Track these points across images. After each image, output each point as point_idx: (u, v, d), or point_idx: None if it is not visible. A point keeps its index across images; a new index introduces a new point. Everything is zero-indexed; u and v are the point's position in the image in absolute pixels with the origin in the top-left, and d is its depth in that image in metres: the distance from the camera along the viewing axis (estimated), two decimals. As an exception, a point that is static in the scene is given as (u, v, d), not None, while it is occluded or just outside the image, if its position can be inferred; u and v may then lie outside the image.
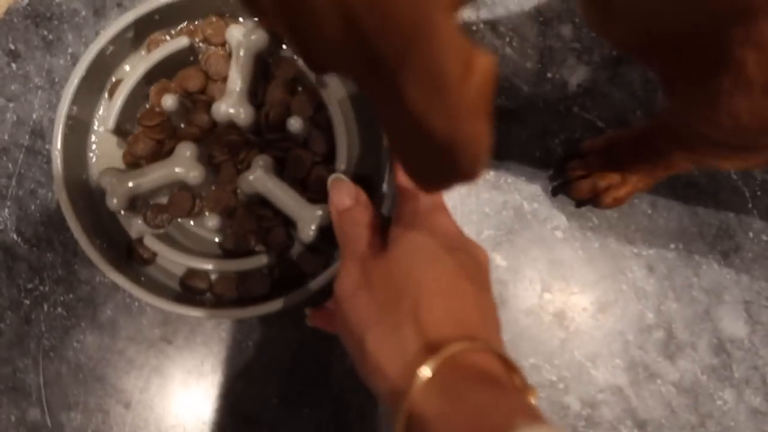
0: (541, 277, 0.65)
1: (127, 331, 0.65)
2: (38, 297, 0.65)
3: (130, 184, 0.61)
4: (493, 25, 0.69)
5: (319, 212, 0.61)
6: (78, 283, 0.65)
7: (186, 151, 0.61)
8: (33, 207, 0.66)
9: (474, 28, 0.68)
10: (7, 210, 0.66)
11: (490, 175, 0.67)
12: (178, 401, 0.63)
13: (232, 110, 0.62)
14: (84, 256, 0.65)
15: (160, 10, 0.63)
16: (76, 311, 0.65)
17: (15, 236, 0.66)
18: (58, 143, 0.61)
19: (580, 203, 0.67)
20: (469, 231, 0.66)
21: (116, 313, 0.65)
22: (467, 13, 0.68)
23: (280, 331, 0.65)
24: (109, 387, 0.64)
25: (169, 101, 0.62)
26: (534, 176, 0.67)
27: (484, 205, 0.67)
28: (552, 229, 0.67)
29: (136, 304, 0.65)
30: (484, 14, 0.68)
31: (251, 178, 0.61)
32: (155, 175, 0.61)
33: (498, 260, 0.66)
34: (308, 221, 0.61)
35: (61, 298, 0.65)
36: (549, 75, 0.68)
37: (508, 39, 0.69)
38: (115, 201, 0.60)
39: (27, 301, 0.65)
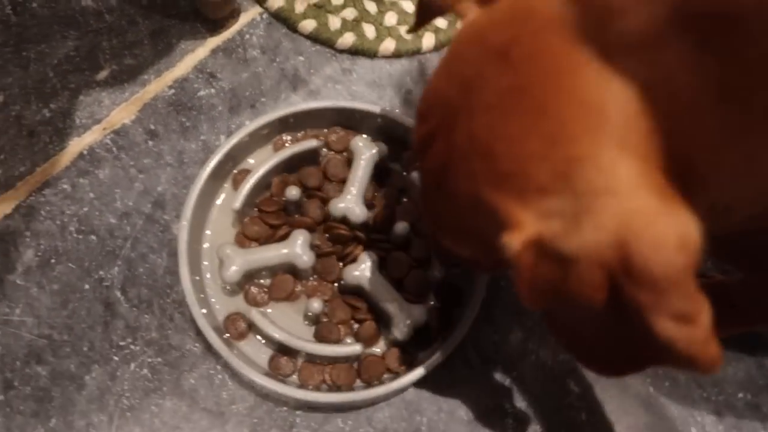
0: (614, 411, 0.54)
1: (205, 403, 0.53)
2: (128, 355, 0.54)
3: (246, 259, 0.51)
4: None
5: (416, 311, 0.51)
6: (168, 347, 0.55)
7: (300, 237, 0.52)
8: (141, 269, 0.56)
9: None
10: (117, 269, 0.56)
11: (568, 303, 0.58)
12: (240, 482, 0.51)
13: (348, 207, 0.54)
14: (179, 323, 0.54)
15: (296, 115, 0.56)
16: (161, 375, 0.54)
17: (119, 294, 0.56)
18: (188, 214, 0.52)
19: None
20: (544, 353, 0.56)
21: (199, 383, 0.54)
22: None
23: (353, 426, 0.53)
24: (178, 457, 0.52)
25: (293, 192, 0.53)
26: (609, 310, 0.57)
27: (561, 331, 0.57)
28: (624, 362, 0.56)
29: (220, 377, 0.54)
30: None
31: (356, 272, 0.52)
32: (270, 254, 0.52)
33: (572, 385, 0.55)
34: (404, 318, 0.50)
35: (149, 360, 0.54)
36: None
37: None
38: (231, 271, 0.50)
39: (116, 358, 0.54)
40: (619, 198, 0.25)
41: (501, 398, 0.53)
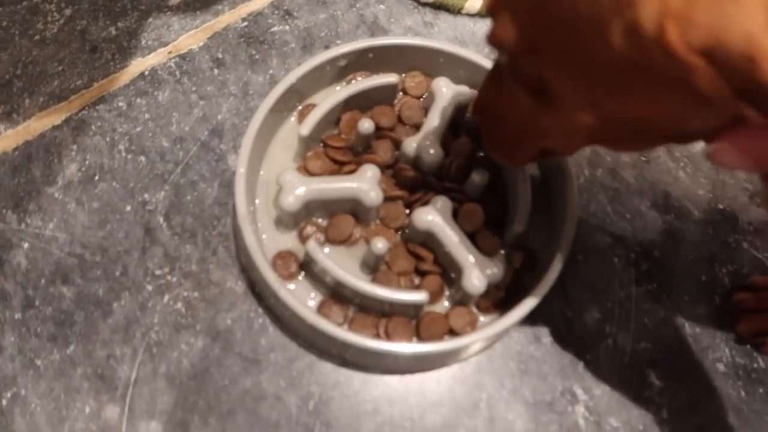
0: (700, 412, 0.43)
1: (241, 347, 0.43)
2: (162, 286, 0.44)
3: (309, 187, 0.42)
4: (668, 147, 0.52)
5: (493, 266, 0.41)
6: (207, 282, 0.45)
7: (369, 171, 0.42)
8: (188, 197, 0.47)
9: (650, 148, 0.51)
10: (163, 193, 0.47)
11: (652, 286, 0.47)
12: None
13: (423, 147, 0.44)
14: (222, 258, 0.44)
15: (375, 50, 0.47)
16: (196, 311, 0.44)
17: (161, 220, 0.46)
18: (253, 135, 0.43)
19: (741, 340, 0.46)
20: (623, 338, 0.45)
21: (236, 325, 0.44)
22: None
23: (403, 394, 0.42)
24: (203, 404, 0.41)
25: (365, 125, 0.44)
26: (697, 299, 0.47)
27: (644, 316, 0.46)
28: (714, 360, 0.45)
29: (260, 321, 0.44)
30: (662, 139, 0.52)
31: (429, 217, 0.42)
32: (335, 185, 0.42)
33: (652, 377, 0.45)
34: (479, 272, 0.40)
35: (185, 294, 0.44)
36: (720, 206, 0.50)
37: (682, 164, 0.51)
38: (291, 199, 0.40)
39: (149, 287, 0.44)
40: None
41: (572, 382, 0.42)
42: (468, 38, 0.53)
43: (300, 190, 0.40)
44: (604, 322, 0.44)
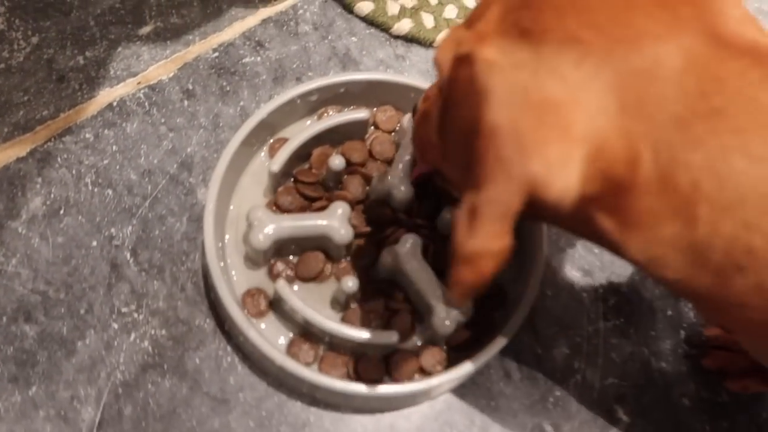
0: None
1: (209, 387, 0.42)
2: (129, 324, 0.43)
3: (279, 225, 0.41)
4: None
5: (463, 308, 0.41)
6: (176, 320, 0.44)
7: (339, 209, 0.42)
8: (157, 232, 0.46)
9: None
10: (130, 228, 0.46)
11: (620, 321, 0.47)
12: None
13: (393, 185, 0.44)
14: (190, 295, 0.43)
15: (347, 84, 0.47)
16: (164, 350, 0.43)
17: (128, 255, 0.45)
18: (222, 170, 0.42)
19: (706, 373, 0.47)
20: (592, 373, 0.45)
21: (204, 364, 0.43)
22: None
23: None
24: (170, 446, 0.40)
25: (336, 161, 0.43)
26: (664, 334, 0.47)
27: (611, 351, 0.46)
28: (679, 394, 0.46)
29: (229, 359, 0.43)
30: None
31: (396, 256, 0.41)
32: (306, 223, 0.41)
33: (620, 413, 0.45)
34: (448, 311, 0.40)
35: (152, 332, 0.43)
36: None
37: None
38: (260, 237, 0.40)
39: (115, 325, 0.43)
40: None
41: (542, 419, 0.42)
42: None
43: (270, 228, 0.40)
44: (572, 358, 0.44)
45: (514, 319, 0.40)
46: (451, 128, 0.28)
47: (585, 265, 0.47)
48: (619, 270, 0.47)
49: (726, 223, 0.23)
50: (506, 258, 0.25)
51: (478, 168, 0.24)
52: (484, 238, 0.24)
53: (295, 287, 0.42)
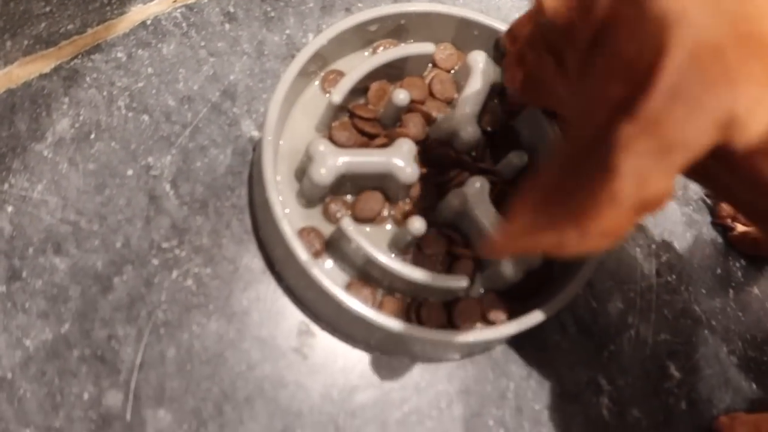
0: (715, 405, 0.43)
1: (258, 330, 0.39)
2: (170, 260, 0.40)
3: (343, 160, 0.38)
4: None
5: (531, 255, 0.39)
6: (221, 258, 0.40)
7: (405, 145, 0.39)
8: (198, 164, 0.42)
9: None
10: (169, 157, 0.42)
11: (671, 278, 0.46)
12: (289, 425, 0.36)
13: (459, 125, 0.41)
14: (236, 232, 0.40)
15: (409, 17, 0.44)
16: (209, 289, 0.40)
17: (167, 187, 0.41)
18: (277, 109, 0.38)
19: (752, 333, 0.46)
20: (645, 329, 0.44)
21: (253, 306, 0.40)
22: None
23: (431, 382, 0.40)
24: (217, 391, 0.38)
25: (401, 96, 0.40)
26: (713, 292, 0.46)
27: (663, 307, 0.45)
28: (728, 352, 0.45)
29: (279, 302, 0.40)
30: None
31: (465, 199, 0.39)
32: (371, 159, 0.38)
33: (672, 369, 0.44)
34: (517, 260, 0.38)
35: (196, 270, 0.40)
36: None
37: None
38: (323, 171, 0.36)
39: (155, 261, 0.39)
40: None
41: (597, 372, 0.41)
42: (493, 12, 0.50)
43: (334, 161, 0.36)
44: (626, 313, 0.43)
45: (582, 272, 0.38)
46: (607, 63, 0.24)
47: (638, 221, 0.46)
48: (672, 227, 0.46)
49: None
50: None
51: (652, 99, 0.21)
52: (668, 181, 0.21)
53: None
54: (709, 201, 0.47)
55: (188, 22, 0.44)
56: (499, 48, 0.35)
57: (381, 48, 0.43)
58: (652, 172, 0.20)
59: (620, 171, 0.21)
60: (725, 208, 0.46)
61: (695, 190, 0.48)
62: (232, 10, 0.45)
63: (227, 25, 0.44)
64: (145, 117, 0.41)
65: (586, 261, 0.38)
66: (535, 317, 0.36)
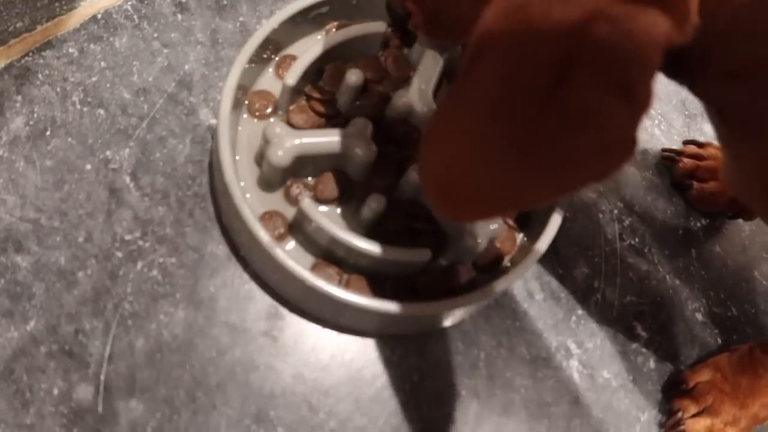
0: (682, 361, 0.43)
1: (227, 316, 0.39)
2: (134, 252, 0.40)
3: (300, 141, 0.38)
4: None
5: (494, 224, 0.39)
6: (185, 247, 0.40)
7: (362, 124, 0.40)
8: (158, 155, 0.42)
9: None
10: (128, 150, 0.42)
11: (635, 241, 0.47)
12: (262, 407, 0.37)
13: (415, 103, 0.41)
14: (199, 220, 0.40)
15: (358, -4, 0.44)
16: (174, 279, 0.40)
17: (128, 179, 0.41)
18: (231, 96, 0.38)
19: (716, 288, 0.47)
20: (611, 292, 0.45)
21: (220, 292, 0.40)
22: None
23: (402, 357, 0.41)
24: (188, 378, 0.38)
25: (354, 77, 0.40)
26: (676, 253, 0.47)
27: (628, 270, 0.46)
28: (693, 310, 0.46)
29: (246, 287, 0.40)
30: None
31: (424, 171, 0.39)
32: (329, 139, 0.38)
33: (639, 329, 0.45)
34: (480, 230, 0.39)
35: (161, 260, 0.40)
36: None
37: (656, 121, 0.52)
38: (280, 153, 0.37)
39: (119, 254, 0.40)
40: None
41: (566, 337, 0.42)
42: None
43: (290, 143, 0.37)
44: (592, 277, 0.44)
45: (543, 238, 0.39)
46: None
47: (600, 186, 0.47)
48: (633, 191, 0.47)
49: None
50: None
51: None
52: (644, 105, 0.20)
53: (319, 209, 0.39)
54: (668, 162, 0.48)
55: (140, 15, 0.44)
56: (393, 10, 0.34)
57: (333, 30, 0.44)
58: (631, 101, 0.20)
59: (595, 108, 0.21)
60: (682, 166, 0.47)
61: (654, 154, 0.48)
62: (183, 0, 0.45)
63: (179, 16, 0.44)
64: (101, 111, 0.41)
65: (546, 228, 0.39)
66: (498, 286, 0.37)
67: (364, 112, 0.40)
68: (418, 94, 0.40)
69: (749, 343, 0.40)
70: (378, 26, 0.42)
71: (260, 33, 0.39)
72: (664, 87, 0.51)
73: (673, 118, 0.50)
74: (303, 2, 0.41)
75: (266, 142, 0.37)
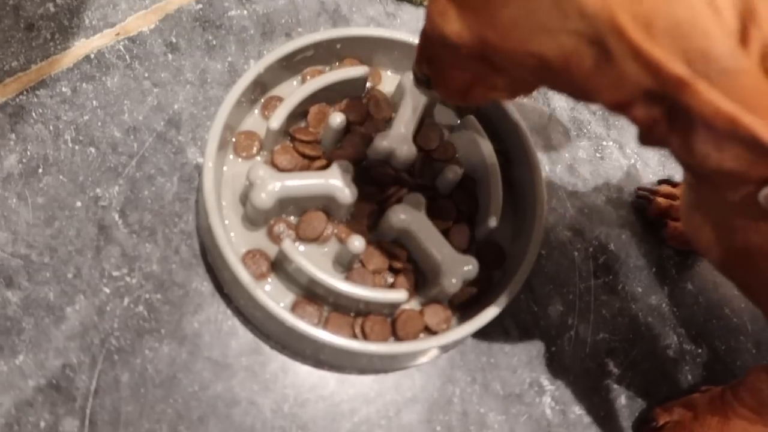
0: (653, 396, 0.45)
1: (210, 351, 0.41)
2: (121, 288, 0.41)
3: (282, 184, 0.40)
4: (620, 144, 0.54)
5: (469, 263, 0.41)
6: (171, 284, 0.42)
7: (343, 167, 0.41)
8: (146, 192, 0.44)
9: (603, 143, 0.53)
10: (117, 188, 0.43)
11: (608, 278, 0.49)
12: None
13: (395, 145, 0.43)
14: (185, 257, 0.42)
15: (342, 41, 0.46)
16: (160, 314, 0.41)
17: (117, 216, 0.43)
18: (217, 136, 0.40)
19: (688, 325, 0.49)
20: (584, 329, 0.46)
21: (204, 328, 0.41)
22: (598, 129, 0.53)
23: (379, 393, 0.42)
24: (171, 412, 0.39)
25: (337, 120, 0.42)
26: (649, 290, 0.49)
27: (602, 307, 0.48)
28: (663, 347, 0.47)
29: (229, 323, 0.42)
30: (614, 134, 0.54)
31: (403, 215, 0.41)
32: (310, 182, 0.40)
33: (611, 366, 0.46)
34: (455, 269, 0.40)
35: (147, 296, 0.42)
36: (667, 202, 0.53)
37: (632, 160, 0.54)
38: (263, 196, 0.39)
39: (107, 290, 0.41)
40: None
41: (539, 373, 0.44)
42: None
43: (272, 186, 0.39)
44: (566, 315, 0.45)
45: (517, 278, 0.40)
46: None
47: (575, 224, 0.48)
48: (608, 229, 0.49)
49: None
50: None
51: None
52: None
53: (301, 248, 0.41)
54: (643, 201, 0.50)
55: (131, 54, 0.46)
56: (418, 77, 0.36)
57: (316, 72, 0.45)
58: None
59: None
60: (656, 205, 0.48)
61: (629, 192, 0.50)
62: (174, 40, 0.47)
63: (170, 55, 0.46)
64: (92, 149, 0.43)
65: (521, 266, 0.40)
66: (473, 324, 0.39)
67: (347, 153, 0.42)
68: (398, 136, 0.42)
69: (718, 380, 0.42)
70: (359, 71, 0.43)
71: (248, 76, 0.41)
72: (640, 126, 0.53)
73: (649, 157, 0.52)
74: (289, 46, 0.43)
75: (250, 183, 0.39)
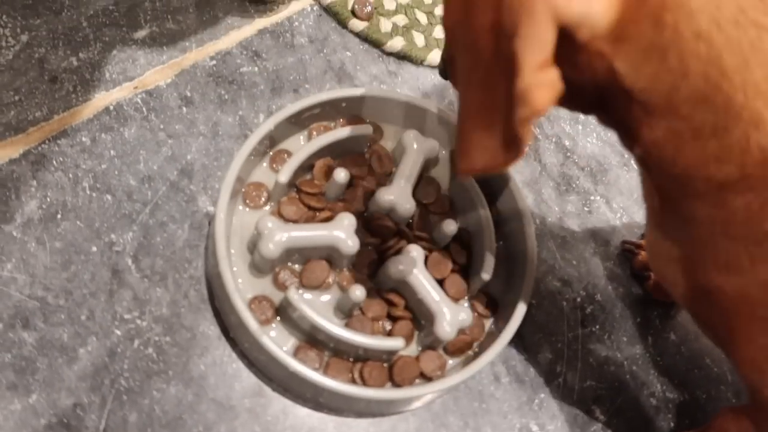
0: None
1: (215, 393, 0.43)
2: (132, 330, 0.43)
3: (289, 235, 0.42)
4: (607, 199, 0.57)
5: (463, 312, 0.43)
6: (179, 327, 0.44)
7: (346, 219, 0.44)
8: (158, 239, 0.46)
9: (591, 197, 0.56)
10: (131, 234, 0.46)
11: (595, 328, 0.51)
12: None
13: (396, 199, 0.46)
14: (194, 302, 0.44)
15: (348, 100, 0.49)
16: (168, 356, 0.43)
17: (130, 261, 0.45)
18: (230, 188, 0.43)
19: (671, 374, 0.51)
20: (572, 376, 0.49)
21: (209, 370, 0.43)
22: (586, 184, 0.56)
23: (375, 433, 0.44)
24: (176, 451, 0.41)
25: (341, 175, 0.45)
26: (634, 340, 0.51)
27: (589, 356, 0.50)
28: (648, 395, 0.50)
29: (234, 365, 0.44)
30: (601, 189, 0.57)
31: (402, 266, 0.44)
32: (315, 233, 0.43)
33: (597, 413, 0.49)
34: (450, 318, 0.43)
35: (156, 339, 0.44)
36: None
37: (619, 214, 0.57)
38: (271, 246, 0.41)
39: (118, 332, 0.43)
40: None
41: (529, 419, 0.46)
42: (429, 89, 0.56)
43: (280, 236, 0.41)
44: (555, 362, 0.48)
45: (509, 328, 0.43)
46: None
47: (564, 275, 0.51)
48: (595, 281, 0.51)
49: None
50: (558, 93, 0.28)
51: (509, 20, 0.26)
52: (530, 72, 0.26)
53: (304, 295, 0.43)
54: (628, 254, 0.53)
55: (148, 107, 0.49)
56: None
57: (322, 127, 0.49)
58: (519, 70, 0.26)
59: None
60: (641, 259, 0.51)
61: (616, 245, 0.53)
62: (189, 94, 0.50)
63: (185, 109, 0.49)
64: (108, 197, 0.45)
65: (513, 315, 0.43)
66: (467, 372, 0.41)
67: (350, 205, 0.45)
68: (399, 191, 0.45)
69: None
70: (363, 129, 0.47)
71: (259, 131, 0.44)
72: (626, 182, 0.57)
73: (634, 212, 0.55)
74: (298, 105, 0.46)
75: (258, 233, 0.42)
